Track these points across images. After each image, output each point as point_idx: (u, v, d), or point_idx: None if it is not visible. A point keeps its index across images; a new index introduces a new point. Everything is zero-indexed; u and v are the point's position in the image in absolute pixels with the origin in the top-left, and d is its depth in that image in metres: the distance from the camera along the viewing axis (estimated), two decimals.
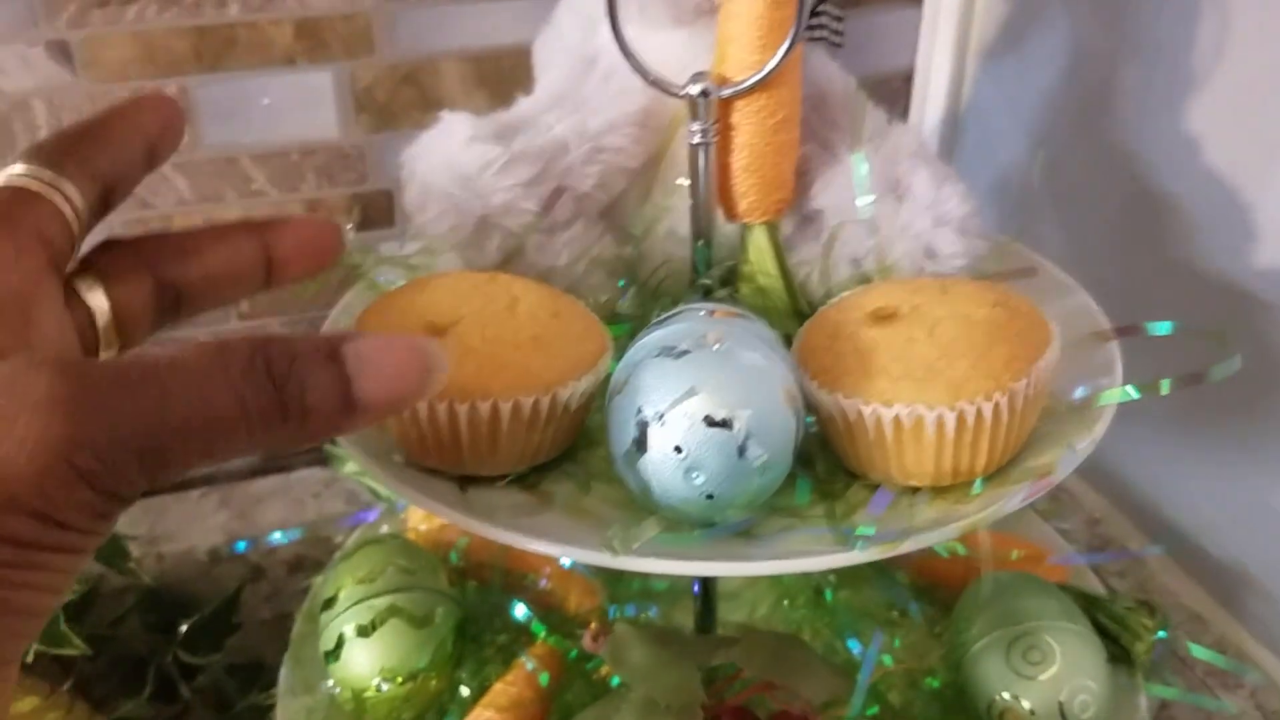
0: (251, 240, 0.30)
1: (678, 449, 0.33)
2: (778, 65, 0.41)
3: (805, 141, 0.46)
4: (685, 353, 0.35)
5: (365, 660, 0.49)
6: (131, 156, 0.29)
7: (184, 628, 0.60)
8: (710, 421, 0.33)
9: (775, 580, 0.57)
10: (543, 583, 0.55)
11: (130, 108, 0.29)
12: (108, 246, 0.29)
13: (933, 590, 0.57)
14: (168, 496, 0.74)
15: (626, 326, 0.45)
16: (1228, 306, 0.59)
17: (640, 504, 0.36)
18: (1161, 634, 0.51)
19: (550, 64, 0.49)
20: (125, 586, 0.64)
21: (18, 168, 0.27)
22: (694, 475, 0.34)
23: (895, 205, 0.44)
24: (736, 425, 0.33)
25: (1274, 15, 0.54)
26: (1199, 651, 0.52)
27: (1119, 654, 0.51)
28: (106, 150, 0.28)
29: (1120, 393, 0.40)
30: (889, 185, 0.44)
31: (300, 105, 0.68)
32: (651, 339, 0.36)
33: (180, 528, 0.71)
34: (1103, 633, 0.50)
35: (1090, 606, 0.52)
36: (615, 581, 0.57)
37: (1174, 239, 0.62)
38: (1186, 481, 0.65)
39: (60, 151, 0.27)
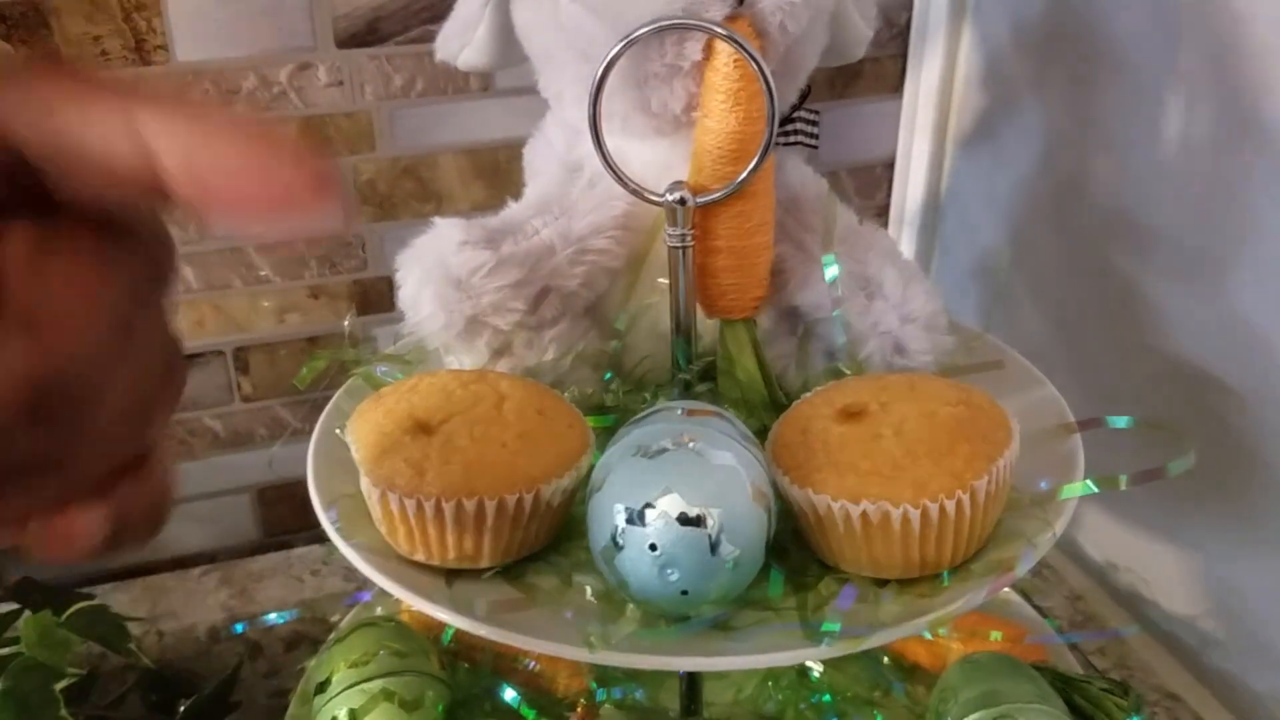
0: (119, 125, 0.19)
1: (653, 546, 0.35)
2: (750, 175, 0.43)
3: (780, 242, 0.48)
4: (660, 453, 0.37)
5: None
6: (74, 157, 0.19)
7: (183, 708, 0.61)
8: (684, 520, 0.35)
9: None
10: (532, 664, 0.56)
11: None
12: None
13: (915, 670, 0.59)
14: (168, 575, 0.75)
15: (610, 418, 0.47)
16: (1196, 391, 0.61)
17: (619, 597, 0.37)
18: (1136, 717, 0.52)
19: (539, 169, 0.51)
20: (125, 666, 0.65)
21: None
22: (669, 572, 0.35)
23: (865, 303, 0.46)
24: (709, 523, 0.35)
25: (1237, 112, 0.56)
26: None
27: None
28: (32, 114, 0.18)
29: (1081, 486, 0.42)
30: (859, 284, 0.46)
31: None
32: (628, 439, 0.38)
33: (180, 606, 0.72)
34: (1078, 713, 0.52)
35: (1066, 687, 0.53)
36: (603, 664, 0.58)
37: (1143, 324, 0.64)
38: (1165, 560, 0.66)
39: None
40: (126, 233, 0.20)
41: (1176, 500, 0.64)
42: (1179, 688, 0.63)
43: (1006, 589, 0.64)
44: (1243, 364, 0.58)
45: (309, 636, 0.71)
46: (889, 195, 0.84)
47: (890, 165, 0.83)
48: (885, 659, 0.58)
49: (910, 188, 0.82)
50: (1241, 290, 0.58)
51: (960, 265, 0.81)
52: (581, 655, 0.35)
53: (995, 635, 0.57)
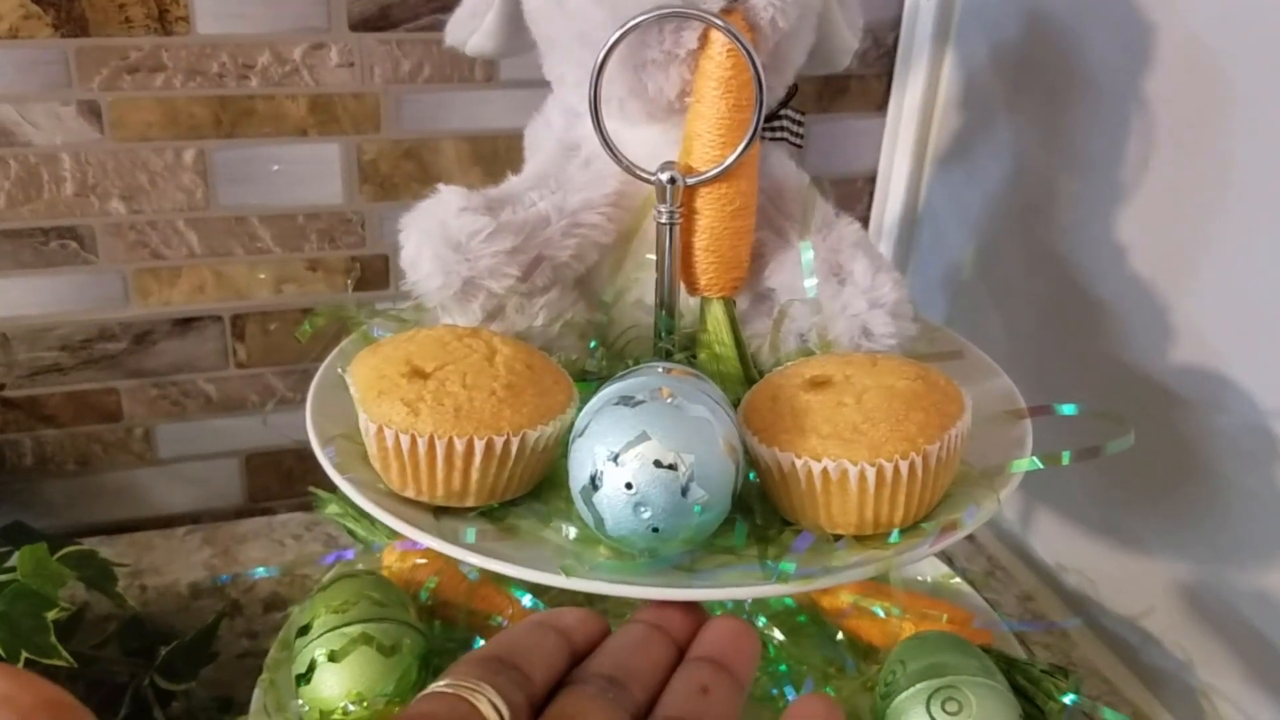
0: (665, 643, 0.33)
1: (629, 486, 0.38)
2: (736, 159, 0.46)
3: (761, 228, 0.51)
4: (640, 403, 0.40)
5: (334, 684, 0.52)
6: (556, 665, 0.30)
7: (164, 652, 0.63)
8: (658, 464, 0.38)
9: None
10: (505, 622, 0.59)
11: (552, 620, 0.32)
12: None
13: (869, 650, 0.61)
14: (154, 533, 0.77)
15: (594, 384, 0.50)
16: (1145, 396, 0.65)
17: (594, 536, 0.40)
18: (1073, 696, 0.55)
19: (538, 148, 0.54)
20: (109, 614, 0.67)
21: (440, 683, 0.27)
22: (642, 510, 0.38)
23: (837, 288, 0.49)
24: (681, 468, 0.38)
25: (1195, 137, 0.60)
26: (1110, 715, 0.56)
27: (1034, 714, 0.55)
28: (531, 660, 0.30)
29: (1027, 462, 0.45)
30: (832, 270, 0.50)
31: (309, 173, 0.73)
32: (612, 389, 0.41)
33: (164, 562, 0.74)
34: (1020, 693, 0.55)
35: (1009, 667, 0.56)
36: None
37: (1098, 334, 0.68)
38: (1112, 562, 0.70)
39: (480, 664, 0.28)
40: None
41: (1124, 504, 0.68)
42: (1119, 681, 0.66)
43: (958, 580, 0.68)
44: (1190, 372, 0.62)
45: (288, 599, 0.73)
46: (869, 208, 0.87)
47: (872, 179, 0.87)
48: (840, 636, 0.61)
49: (890, 201, 0.85)
50: (1193, 301, 0.61)
51: (934, 276, 0.84)
52: (558, 581, 0.38)
53: (944, 617, 0.60)
